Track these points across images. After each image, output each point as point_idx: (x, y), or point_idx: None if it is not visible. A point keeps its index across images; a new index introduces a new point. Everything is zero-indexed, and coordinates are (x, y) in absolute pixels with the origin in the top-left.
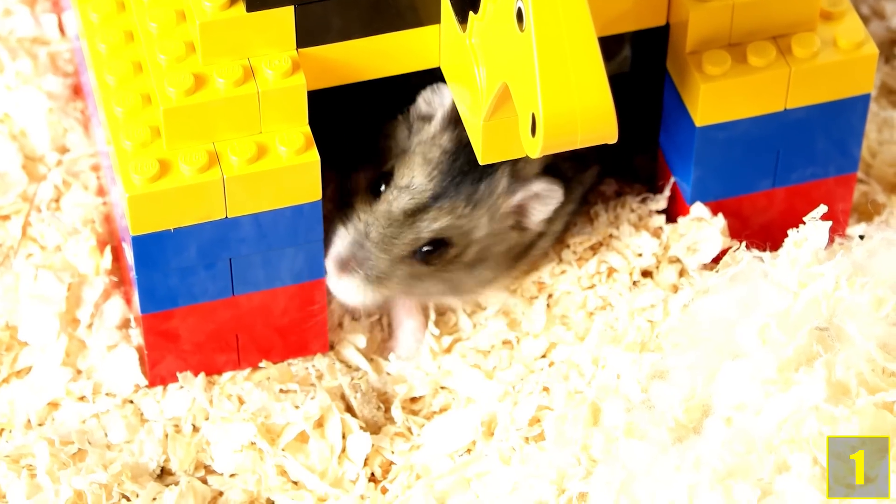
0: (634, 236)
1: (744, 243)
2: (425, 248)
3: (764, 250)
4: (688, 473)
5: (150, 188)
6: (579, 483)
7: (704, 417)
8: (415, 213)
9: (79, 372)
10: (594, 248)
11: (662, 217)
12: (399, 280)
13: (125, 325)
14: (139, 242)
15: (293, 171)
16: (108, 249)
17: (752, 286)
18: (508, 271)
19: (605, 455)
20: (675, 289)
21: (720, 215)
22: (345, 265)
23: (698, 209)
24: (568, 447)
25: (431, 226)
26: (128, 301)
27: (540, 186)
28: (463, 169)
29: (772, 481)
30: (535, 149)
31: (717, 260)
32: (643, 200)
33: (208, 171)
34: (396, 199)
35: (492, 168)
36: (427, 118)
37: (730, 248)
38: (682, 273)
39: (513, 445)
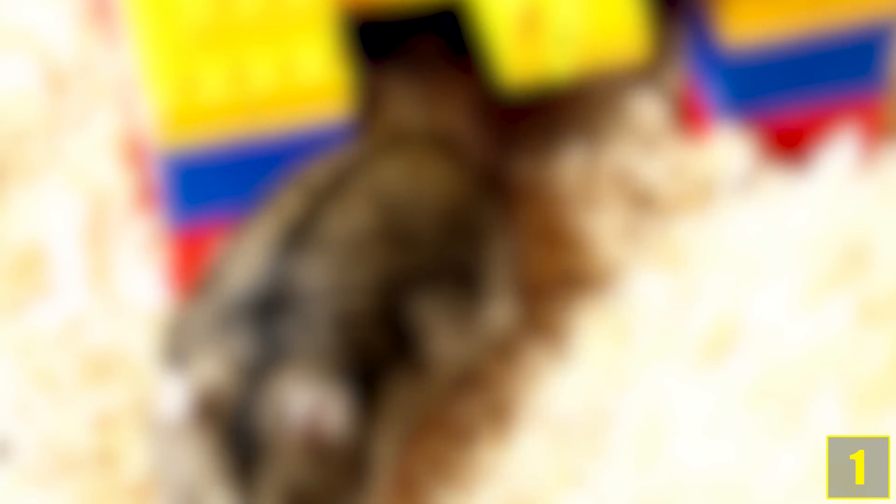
0: (659, 158)
1: (773, 163)
2: None
3: (793, 170)
4: (715, 395)
5: (177, 104)
6: (606, 402)
7: (733, 340)
8: None
9: (105, 290)
10: (615, 171)
11: (689, 138)
12: None
13: (152, 242)
14: (166, 159)
15: (321, 88)
16: (134, 167)
17: (780, 207)
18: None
19: (633, 375)
20: (702, 210)
21: (748, 135)
22: None
23: (726, 128)
24: (595, 367)
25: None
26: (155, 219)
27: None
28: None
29: (800, 404)
30: (566, 68)
31: (745, 180)
32: (668, 122)
33: (236, 87)
34: None
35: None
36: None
37: (758, 168)
38: (709, 194)
39: (538, 362)
